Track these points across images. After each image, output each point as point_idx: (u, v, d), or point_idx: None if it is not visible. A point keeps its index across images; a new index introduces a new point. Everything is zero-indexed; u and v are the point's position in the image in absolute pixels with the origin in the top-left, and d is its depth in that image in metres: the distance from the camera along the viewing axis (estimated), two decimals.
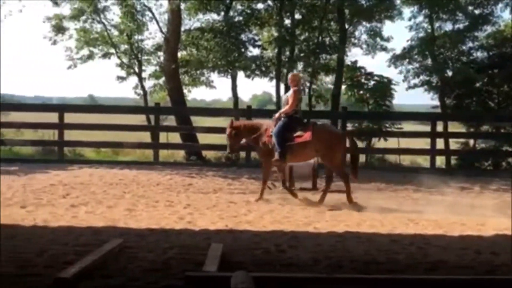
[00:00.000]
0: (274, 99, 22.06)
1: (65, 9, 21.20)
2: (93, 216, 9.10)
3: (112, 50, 21.58)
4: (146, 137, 19.11)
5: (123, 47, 21.95)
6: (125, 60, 22.00)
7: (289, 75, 11.35)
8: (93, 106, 24.15)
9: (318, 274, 5.59)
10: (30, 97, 41.85)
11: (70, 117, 17.56)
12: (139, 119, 22.01)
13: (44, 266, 5.82)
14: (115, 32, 21.70)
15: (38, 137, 20.21)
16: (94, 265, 5.75)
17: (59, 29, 21.02)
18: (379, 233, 8.30)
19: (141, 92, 22.00)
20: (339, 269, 5.98)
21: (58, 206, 9.82)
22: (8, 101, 19.23)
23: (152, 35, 22.86)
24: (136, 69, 21.93)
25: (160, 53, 21.29)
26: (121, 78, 22.27)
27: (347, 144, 10.86)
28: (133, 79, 22.29)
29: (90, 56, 21.49)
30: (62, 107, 17.52)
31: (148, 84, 22.19)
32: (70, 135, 17.95)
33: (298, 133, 10.59)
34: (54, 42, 21.18)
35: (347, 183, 10.63)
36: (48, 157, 16.95)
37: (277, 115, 10.86)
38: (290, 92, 10.84)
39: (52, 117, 16.78)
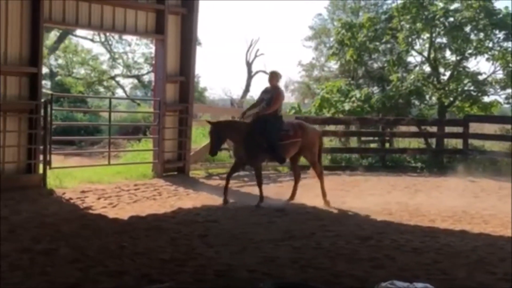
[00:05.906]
0: None
1: None
2: None
3: None
4: None
5: None
6: None
7: (270, 73, 11.15)
8: None
9: None
10: None
11: None
12: None
13: None
14: None
15: None
16: None
17: None
18: None
19: None
20: None
21: None
22: None
23: None
24: None
25: None
26: None
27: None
28: None
29: None
30: None
31: None
32: None
33: (286, 132, 10.76)
34: None
35: (321, 177, 11.06)
36: None
37: (251, 113, 10.87)
38: (273, 92, 10.72)
39: None
